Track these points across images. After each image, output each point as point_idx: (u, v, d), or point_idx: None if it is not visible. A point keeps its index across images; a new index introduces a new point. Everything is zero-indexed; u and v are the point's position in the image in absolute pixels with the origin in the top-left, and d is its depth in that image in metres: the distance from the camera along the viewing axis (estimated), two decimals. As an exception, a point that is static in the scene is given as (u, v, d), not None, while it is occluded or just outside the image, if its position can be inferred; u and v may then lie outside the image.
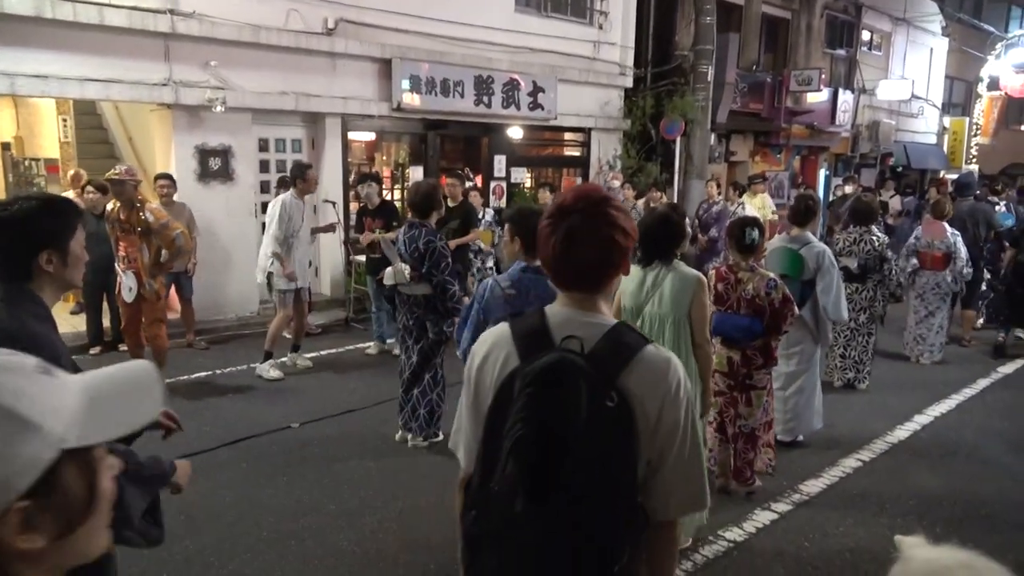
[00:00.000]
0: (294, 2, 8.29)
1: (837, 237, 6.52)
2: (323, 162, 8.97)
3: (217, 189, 8.10)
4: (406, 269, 4.66)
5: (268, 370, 6.27)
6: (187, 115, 7.77)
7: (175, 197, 7.01)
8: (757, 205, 11.11)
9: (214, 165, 8.02)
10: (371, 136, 10.02)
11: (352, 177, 9.20)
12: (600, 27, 11.54)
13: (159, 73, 7.48)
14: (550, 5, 11.14)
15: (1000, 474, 4.74)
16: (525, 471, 1.29)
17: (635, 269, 3.59)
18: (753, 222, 4.28)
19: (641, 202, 9.91)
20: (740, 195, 10.82)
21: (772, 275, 4.13)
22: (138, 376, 0.87)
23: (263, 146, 8.73)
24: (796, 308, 4.23)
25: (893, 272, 6.20)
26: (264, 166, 8.77)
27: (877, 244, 6.07)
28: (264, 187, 8.63)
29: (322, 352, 7.12)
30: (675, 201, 10.32)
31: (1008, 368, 7.25)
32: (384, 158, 10.59)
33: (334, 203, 8.17)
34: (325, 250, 8.98)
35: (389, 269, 4.81)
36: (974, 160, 21.38)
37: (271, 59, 8.22)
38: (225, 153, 8.09)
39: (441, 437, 4.90)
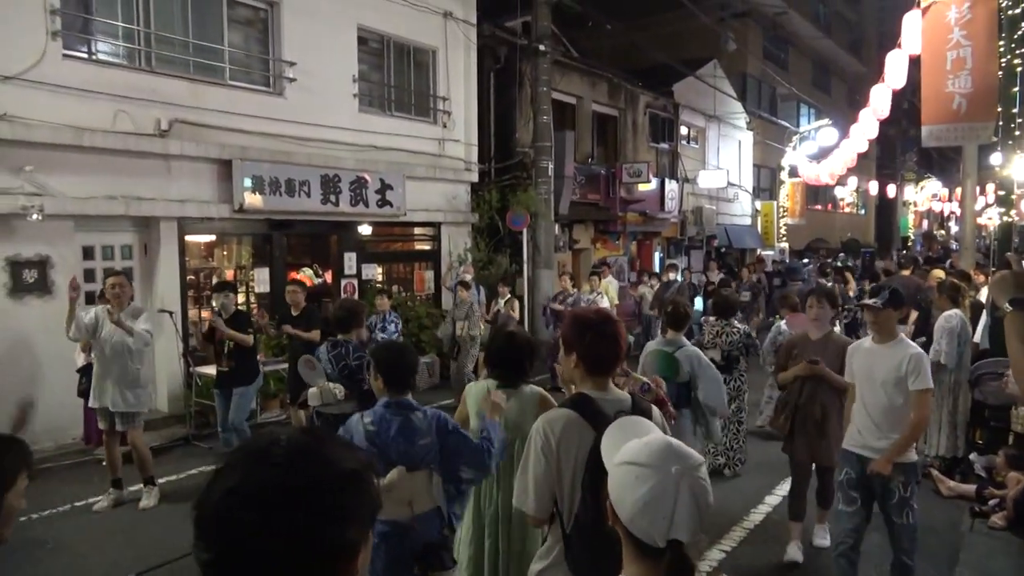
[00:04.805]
0: (123, 103, 7.85)
1: (704, 330, 6.76)
2: (157, 268, 8.39)
3: (32, 304, 7.31)
4: (336, 388, 4.55)
5: (150, 499, 6.00)
6: (-4, 224, 7.04)
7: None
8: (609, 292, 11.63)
9: (29, 278, 7.26)
10: (211, 238, 9.53)
11: (213, 283, 8.66)
12: (444, 125, 11.87)
13: (-38, 180, 6.76)
14: (394, 105, 11.35)
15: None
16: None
17: (483, 387, 3.52)
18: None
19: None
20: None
21: (644, 379, 4.20)
22: None
23: (88, 254, 8.03)
24: (672, 408, 4.33)
25: (760, 355, 6.67)
26: (90, 275, 8.03)
27: (738, 336, 6.43)
28: (90, 298, 7.87)
29: (161, 480, 6.40)
30: (522, 293, 10.51)
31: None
32: (226, 259, 10.09)
33: (171, 313, 7.62)
34: (161, 361, 8.29)
35: (313, 390, 4.62)
36: (784, 238, 23.83)
37: (97, 162, 7.68)
38: (43, 264, 7.36)
39: None
